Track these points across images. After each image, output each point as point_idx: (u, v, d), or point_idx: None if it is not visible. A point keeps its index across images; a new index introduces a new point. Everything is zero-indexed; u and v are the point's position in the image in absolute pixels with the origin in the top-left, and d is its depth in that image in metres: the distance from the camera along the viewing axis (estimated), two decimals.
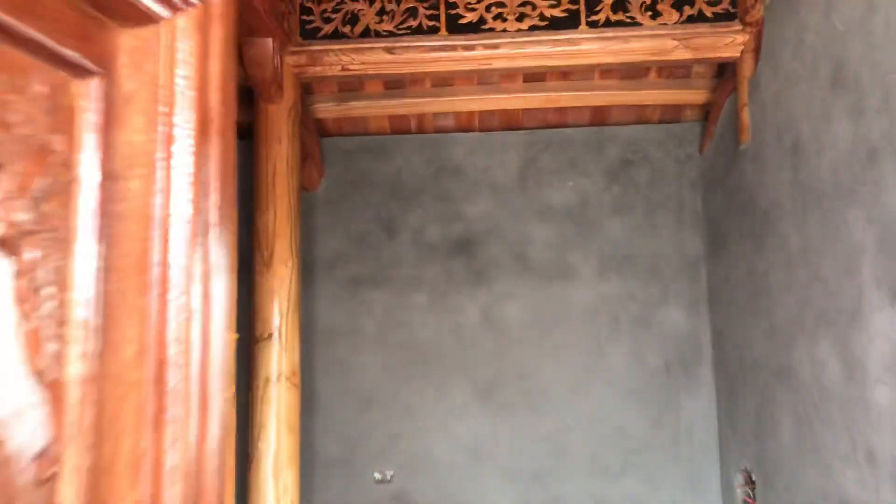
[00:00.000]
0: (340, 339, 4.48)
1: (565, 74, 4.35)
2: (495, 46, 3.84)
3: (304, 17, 3.91)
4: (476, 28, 3.86)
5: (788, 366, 3.27)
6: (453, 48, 3.84)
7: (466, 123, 4.66)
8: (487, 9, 3.87)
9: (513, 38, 3.84)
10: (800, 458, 3.17)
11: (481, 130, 4.69)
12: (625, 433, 4.37)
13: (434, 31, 3.87)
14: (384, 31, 3.89)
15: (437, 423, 4.41)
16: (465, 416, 4.41)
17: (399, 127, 4.67)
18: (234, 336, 2.74)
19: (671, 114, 4.61)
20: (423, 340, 4.47)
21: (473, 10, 3.88)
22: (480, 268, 4.53)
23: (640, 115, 4.62)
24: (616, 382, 4.42)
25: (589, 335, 4.46)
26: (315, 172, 4.52)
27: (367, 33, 3.89)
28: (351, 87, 4.42)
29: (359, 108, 4.45)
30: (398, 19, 3.89)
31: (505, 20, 3.87)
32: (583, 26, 3.83)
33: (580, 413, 4.40)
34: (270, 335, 3.65)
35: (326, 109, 4.45)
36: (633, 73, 4.32)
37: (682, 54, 3.83)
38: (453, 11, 3.88)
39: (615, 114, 4.61)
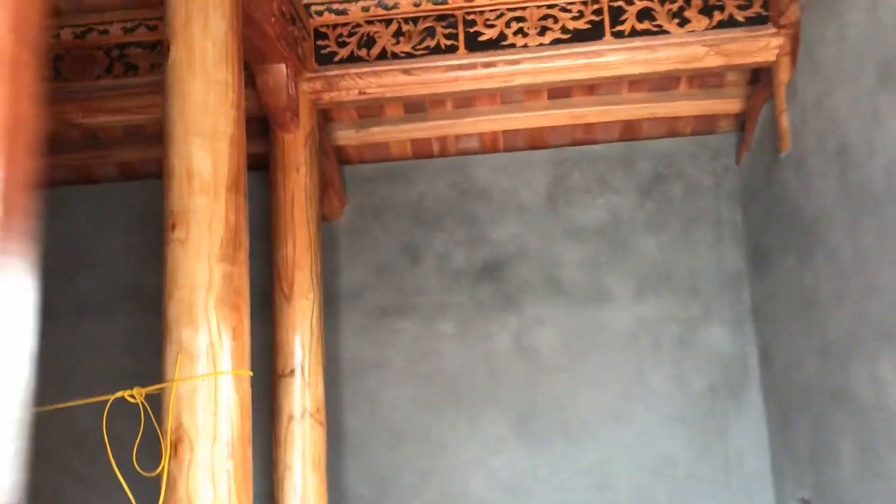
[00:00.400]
0: (367, 371, 4.31)
1: (591, 89, 4.19)
2: (517, 62, 3.69)
3: (319, 43, 3.80)
4: (496, 45, 3.72)
5: (846, 386, 3.03)
6: (473, 66, 3.70)
7: (490, 144, 4.51)
8: (507, 24, 3.73)
9: (535, 52, 3.69)
10: (865, 487, 2.91)
11: (506, 151, 4.53)
12: (671, 462, 4.13)
13: (453, 49, 3.74)
14: (401, 52, 3.77)
15: (472, 457, 4.21)
16: (501, 450, 4.20)
17: (421, 151, 4.53)
18: (248, 373, 2.59)
19: (705, 125, 4.41)
20: (453, 371, 4.29)
21: (493, 26, 3.74)
22: (510, 293, 4.35)
23: (671, 127, 4.43)
24: (659, 409, 4.19)
25: (627, 360, 4.24)
26: (336, 201, 4.39)
27: (384, 56, 3.77)
28: (371, 112, 4.30)
29: (379, 133, 4.32)
30: (416, 40, 3.76)
31: (526, 35, 3.73)
32: (607, 37, 3.67)
33: (622, 442, 4.17)
34: (293, 371, 3.50)
35: (346, 136, 4.33)
36: (662, 84, 4.14)
37: (714, 61, 3.65)
38: (472, 29, 3.75)
39: (645, 128, 4.43)
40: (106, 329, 4.41)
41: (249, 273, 4.25)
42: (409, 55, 3.75)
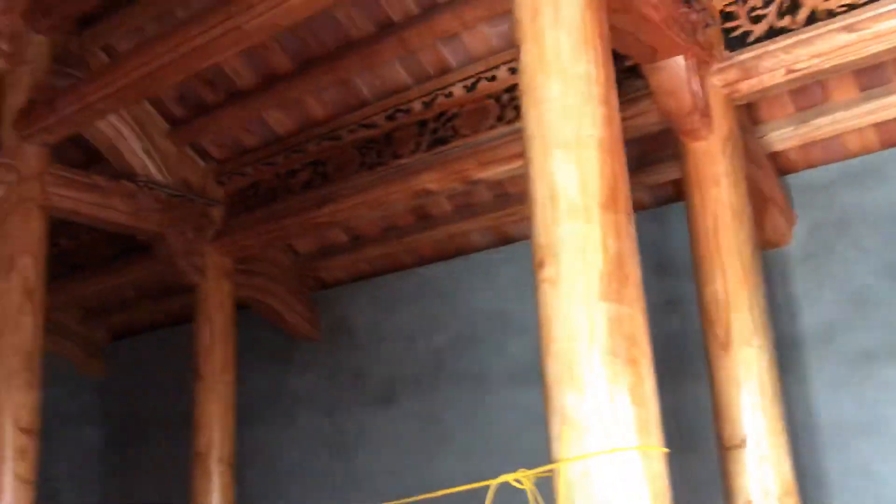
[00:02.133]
0: (855, 438, 3.23)
1: None
2: None
3: (727, 26, 3.05)
4: None
5: None
6: None
7: None
8: None
9: None
10: None
11: None
12: None
13: None
14: (839, 7, 2.82)
15: None
16: None
17: (895, 136, 3.40)
18: (660, 450, 1.91)
19: None
20: None
21: None
22: None
23: None
24: None
25: None
26: (782, 221, 3.48)
27: (814, 19, 2.86)
28: (812, 99, 3.38)
29: (828, 125, 3.37)
30: None
31: None
32: None
33: None
34: (743, 441, 2.68)
35: (783, 137, 3.45)
36: None
37: None
38: None
39: None
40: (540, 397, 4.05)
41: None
42: (851, 7, 2.78)
